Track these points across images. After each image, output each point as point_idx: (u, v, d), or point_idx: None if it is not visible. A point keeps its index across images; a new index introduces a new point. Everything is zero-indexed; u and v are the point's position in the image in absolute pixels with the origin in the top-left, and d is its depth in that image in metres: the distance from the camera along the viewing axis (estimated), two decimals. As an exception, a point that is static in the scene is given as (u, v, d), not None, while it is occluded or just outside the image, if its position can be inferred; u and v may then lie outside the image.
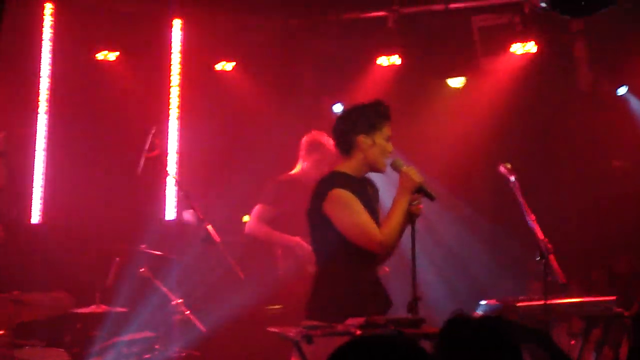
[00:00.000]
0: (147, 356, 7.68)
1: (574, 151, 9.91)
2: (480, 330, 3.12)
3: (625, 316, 6.65)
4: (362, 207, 5.46)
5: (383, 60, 9.61)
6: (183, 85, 9.74)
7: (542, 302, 6.26)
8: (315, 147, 8.16)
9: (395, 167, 5.51)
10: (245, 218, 8.42)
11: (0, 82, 5.95)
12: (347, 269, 5.48)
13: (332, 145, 8.03)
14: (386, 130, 5.59)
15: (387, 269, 6.45)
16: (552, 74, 9.61)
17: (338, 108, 9.58)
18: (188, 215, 8.49)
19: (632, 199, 9.48)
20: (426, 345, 4.18)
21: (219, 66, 9.80)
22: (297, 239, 7.87)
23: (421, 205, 5.46)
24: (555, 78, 9.65)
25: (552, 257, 6.31)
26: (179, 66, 9.75)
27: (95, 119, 9.16)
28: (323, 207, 5.46)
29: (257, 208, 8.15)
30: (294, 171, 8.25)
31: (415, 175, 5.42)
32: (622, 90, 9.67)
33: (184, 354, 7.72)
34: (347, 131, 5.64)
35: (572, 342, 6.83)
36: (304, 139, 8.26)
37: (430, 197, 5.45)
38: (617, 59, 9.46)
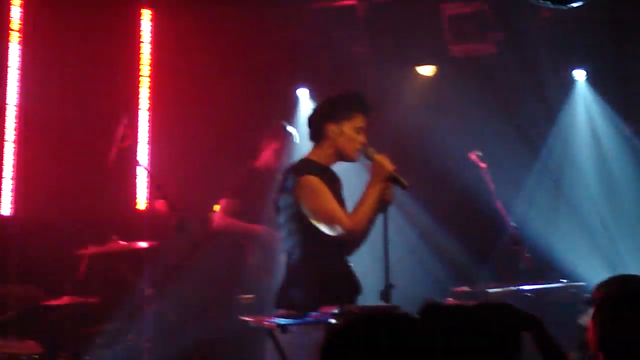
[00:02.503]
0: (118, 346, 7.68)
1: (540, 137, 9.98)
2: (453, 317, 3.08)
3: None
4: (330, 194, 5.48)
5: (355, 50, 9.66)
6: (153, 76, 9.72)
7: (513, 288, 6.31)
8: (274, 136, 8.20)
9: (367, 155, 5.53)
10: (217, 207, 8.44)
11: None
12: (317, 257, 5.48)
13: (291, 134, 8.14)
14: (358, 121, 5.60)
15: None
16: (517, 62, 9.66)
17: (302, 92, 9.62)
18: (160, 205, 8.48)
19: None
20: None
21: (189, 56, 9.79)
22: (263, 228, 7.88)
23: (392, 194, 5.49)
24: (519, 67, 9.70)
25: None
26: (149, 57, 9.73)
27: (65, 110, 9.09)
28: (292, 194, 5.47)
29: (222, 202, 8.18)
30: (257, 162, 8.29)
31: (387, 164, 5.44)
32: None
33: (155, 345, 7.72)
34: (317, 119, 5.67)
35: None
36: (266, 130, 8.30)
37: (402, 186, 5.47)
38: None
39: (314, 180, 5.46)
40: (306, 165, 5.59)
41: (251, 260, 8.10)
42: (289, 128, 8.29)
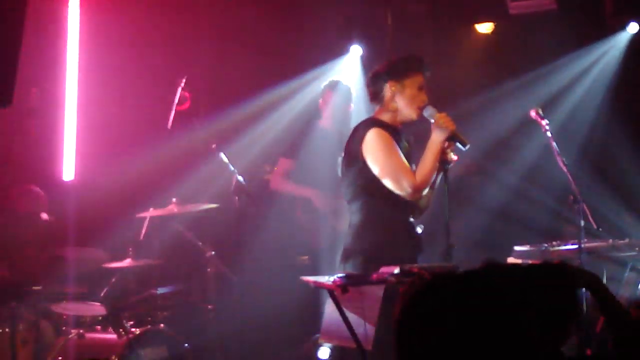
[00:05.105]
0: (181, 308, 7.76)
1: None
2: (511, 275, 3.04)
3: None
4: (398, 149, 5.46)
5: (411, 7, 9.57)
6: (209, 37, 9.71)
7: (576, 246, 6.24)
8: (333, 94, 8.07)
9: (428, 115, 5.49)
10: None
11: (30, 38, 5.97)
12: (380, 215, 5.47)
13: (349, 91, 8.05)
14: (418, 79, 5.58)
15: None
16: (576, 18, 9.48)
17: (356, 49, 9.51)
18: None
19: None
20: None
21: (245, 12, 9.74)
22: (315, 191, 7.80)
23: (454, 154, 5.46)
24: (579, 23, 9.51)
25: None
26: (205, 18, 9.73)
27: (124, 74, 9.12)
28: (360, 149, 5.46)
29: (280, 162, 8.11)
30: (321, 121, 8.18)
31: (449, 122, 5.40)
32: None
33: (217, 305, 7.78)
34: (378, 79, 5.65)
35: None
36: (323, 87, 8.20)
37: (463, 144, 5.43)
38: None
39: (382, 134, 5.45)
40: (375, 122, 5.57)
41: (302, 222, 8.07)
42: (345, 84, 8.15)
